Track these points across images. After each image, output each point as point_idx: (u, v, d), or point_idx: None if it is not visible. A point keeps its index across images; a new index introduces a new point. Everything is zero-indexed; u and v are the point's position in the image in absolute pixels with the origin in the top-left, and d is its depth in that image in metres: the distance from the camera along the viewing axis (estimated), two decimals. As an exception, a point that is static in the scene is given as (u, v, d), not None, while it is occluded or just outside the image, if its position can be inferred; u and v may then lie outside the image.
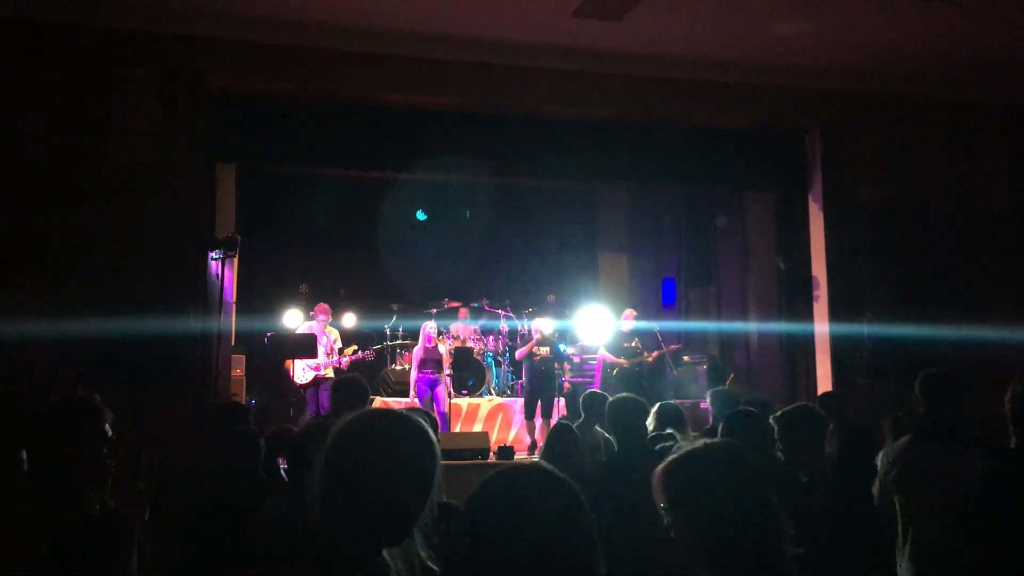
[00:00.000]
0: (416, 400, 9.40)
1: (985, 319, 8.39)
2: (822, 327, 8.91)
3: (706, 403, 9.64)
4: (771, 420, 3.93)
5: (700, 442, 2.05)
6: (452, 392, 9.83)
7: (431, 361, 9.51)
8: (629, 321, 10.12)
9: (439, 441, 1.94)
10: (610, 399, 5.14)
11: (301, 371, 9.22)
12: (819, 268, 9.02)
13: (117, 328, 6.73)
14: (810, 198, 9.18)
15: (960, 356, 7.75)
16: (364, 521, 1.79)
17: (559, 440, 4.81)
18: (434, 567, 1.88)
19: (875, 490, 3.89)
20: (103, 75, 7.37)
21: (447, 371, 9.71)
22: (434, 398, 9.41)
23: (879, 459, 3.96)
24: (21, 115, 7.18)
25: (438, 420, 9.25)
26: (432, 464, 1.85)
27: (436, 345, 9.63)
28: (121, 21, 7.34)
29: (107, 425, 2.73)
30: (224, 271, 7.62)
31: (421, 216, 11.16)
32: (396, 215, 11.60)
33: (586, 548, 1.59)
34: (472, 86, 8.24)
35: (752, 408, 4.31)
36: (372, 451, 1.81)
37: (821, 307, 8.98)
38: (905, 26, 7.70)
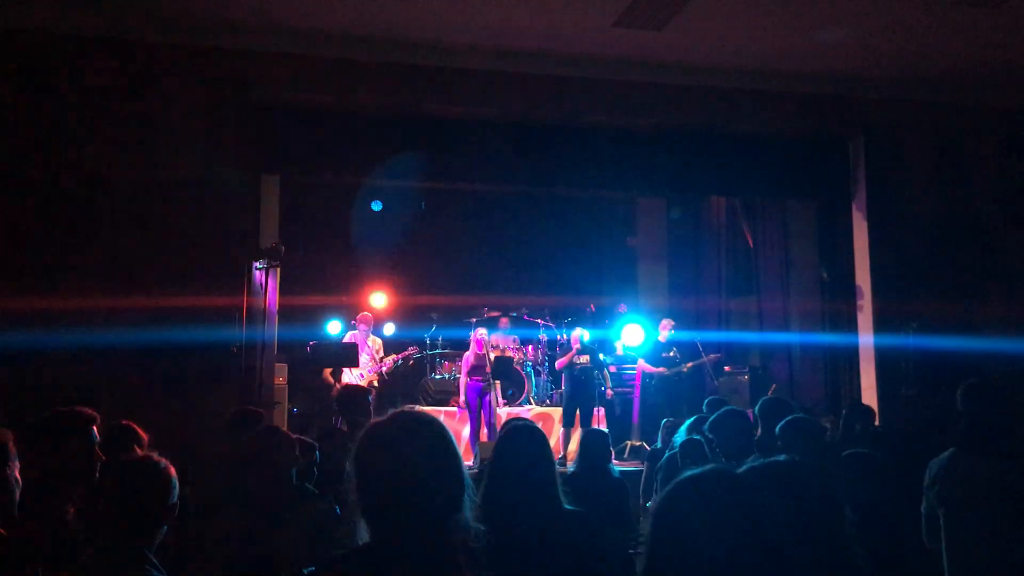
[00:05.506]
0: (465, 405, 9.43)
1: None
2: (866, 338, 8.80)
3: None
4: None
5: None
6: (502, 401, 9.85)
7: (481, 368, 9.49)
8: (667, 331, 10.09)
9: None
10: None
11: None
12: (863, 278, 8.91)
13: (163, 336, 6.85)
14: (854, 207, 9.07)
15: (1007, 367, 7.59)
16: (399, 519, 1.82)
17: None
18: None
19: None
20: (151, 87, 7.52)
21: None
22: (483, 406, 9.42)
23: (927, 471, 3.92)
24: (70, 127, 7.35)
25: (485, 429, 9.28)
26: (452, 455, 1.90)
27: (487, 352, 9.62)
28: (168, 35, 7.49)
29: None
30: (268, 280, 7.70)
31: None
32: (436, 224, 11.65)
33: None
34: (513, 96, 8.28)
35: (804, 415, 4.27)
36: (396, 451, 1.85)
37: (865, 317, 8.86)
38: (949, 31, 7.59)
